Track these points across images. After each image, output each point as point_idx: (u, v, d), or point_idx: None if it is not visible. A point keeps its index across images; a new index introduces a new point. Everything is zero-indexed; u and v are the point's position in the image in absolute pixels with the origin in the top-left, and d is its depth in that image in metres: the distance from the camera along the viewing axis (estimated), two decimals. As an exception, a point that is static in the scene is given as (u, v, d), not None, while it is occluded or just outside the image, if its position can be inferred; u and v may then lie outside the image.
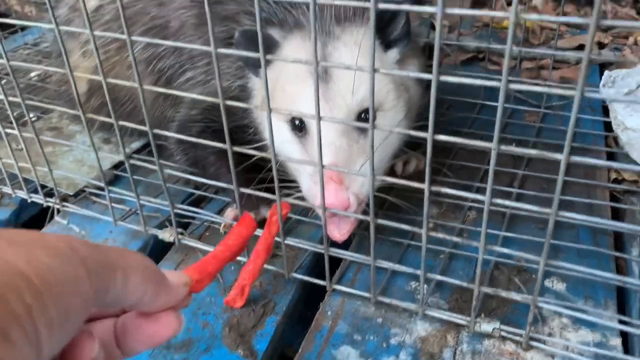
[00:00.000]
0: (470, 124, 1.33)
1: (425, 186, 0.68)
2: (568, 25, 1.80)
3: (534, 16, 0.56)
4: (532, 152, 0.62)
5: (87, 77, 0.96)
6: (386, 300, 0.84)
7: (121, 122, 0.88)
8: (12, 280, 0.34)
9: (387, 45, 0.94)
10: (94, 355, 0.42)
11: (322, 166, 0.74)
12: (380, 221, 0.76)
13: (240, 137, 1.02)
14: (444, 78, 0.62)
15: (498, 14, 0.59)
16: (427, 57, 1.67)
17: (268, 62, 0.96)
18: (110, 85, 1.26)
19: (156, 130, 0.85)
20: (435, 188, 0.69)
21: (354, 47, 0.89)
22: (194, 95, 0.80)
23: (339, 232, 0.86)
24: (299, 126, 0.88)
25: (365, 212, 0.84)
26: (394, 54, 0.94)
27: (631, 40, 1.69)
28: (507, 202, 0.68)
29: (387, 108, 0.89)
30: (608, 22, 0.53)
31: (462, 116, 1.34)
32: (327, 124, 0.83)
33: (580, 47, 1.63)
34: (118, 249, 0.46)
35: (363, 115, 0.87)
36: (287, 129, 0.90)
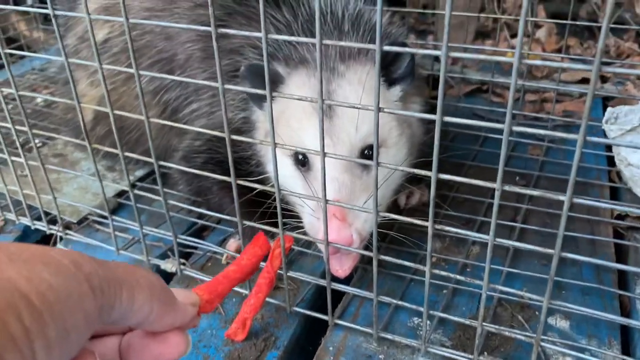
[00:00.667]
0: (474, 156, 1.33)
1: (429, 224, 0.69)
2: (571, 58, 1.82)
3: (537, 62, 0.57)
4: (535, 192, 0.63)
5: (94, 107, 0.97)
6: (388, 336, 0.83)
7: (127, 153, 0.89)
8: (11, 299, 0.34)
9: (390, 82, 0.94)
10: None
11: (326, 201, 0.74)
12: (383, 257, 0.76)
13: (243, 168, 1.02)
14: (447, 119, 0.63)
15: (501, 57, 0.60)
16: (431, 88, 1.69)
17: (273, 97, 0.98)
18: (117, 114, 1.28)
19: (162, 162, 0.86)
20: (438, 227, 0.69)
21: (357, 85, 0.90)
22: (200, 129, 0.81)
23: (341, 267, 0.86)
24: (302, 161, 0.89)
25: (367, 247, 0.84)
26: (397, 91, 0.95)
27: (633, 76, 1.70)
28: (510, 242, 0.67)
29: (390, 145, 0.90)
30: (609, 70, 0.53)
31: (465, 148, 1.35)
32: (331, 160, 0.83)
33: (583, 81, 1.64)
34: (126, 265, 0.45)
35: (366, 152, 0.88)
36: (290, 164, 0.91)
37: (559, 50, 1.87)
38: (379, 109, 0.65)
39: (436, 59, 1.89)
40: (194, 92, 1.14)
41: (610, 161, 1.27)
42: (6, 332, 0.33)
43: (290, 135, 0.88)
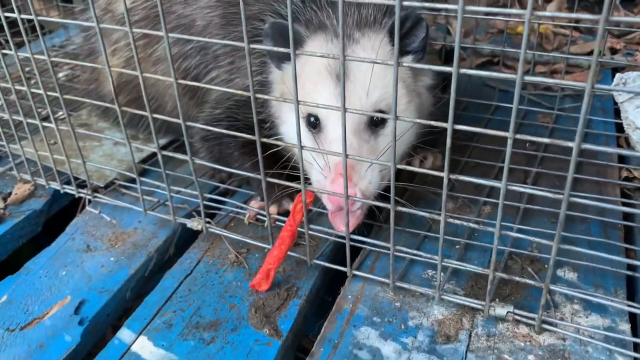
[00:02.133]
0: (485, 124, 1.37)
1: (444, 174, 0.73)
2: (581, 31, 1.84)
3: (547, 13, 0.61)
4: (546, 140, 0.66)
5: (119, 71, 1.00)
6: (404, 285, 0.88)
7: (155, 115, 0.93)
8: None
9: (402, 53, 0.98)
10: None
11: (347, 155, 0.79)
12: (400, 208, 0.80)
13: (260, 132, 1.07)
14: (464, 71, 0.67)
15: (513, 11, 0.64)
16: (443, 61, 1.72)
17: (289, 57, 1.02)
18: (136, 82, 1.31)
19: (189, 123, 0.91)
20: (453, 176, 0.73)
21: (371, 51, 0.94)
22: (225, 89, 0.86)
23: (343, 224, 0.90)
24: (314, 123, 0.93)
25: (384, 200, 0.89)
26: (408, 60, 0.98)
27: (643, 45, 1.72)
28: (521, 189, 0.71)
29: (399, 112, 0.94)
30: (615, 18, 0.57)
31: (477, 117, 1.39)
32: (340, 123, 0.88)
33: (592, 53, 1.66)
34: None
35: (375, 118, 0.92)
36: (302, 125, 0.95)
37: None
38: (398, 64, 0.69)
39: (448, 32, 1.92)
40: (213, 60, 1.18)
41: (619, 128, 1.30)
42: None
43: (305, 97, 0.92)
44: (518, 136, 0.67)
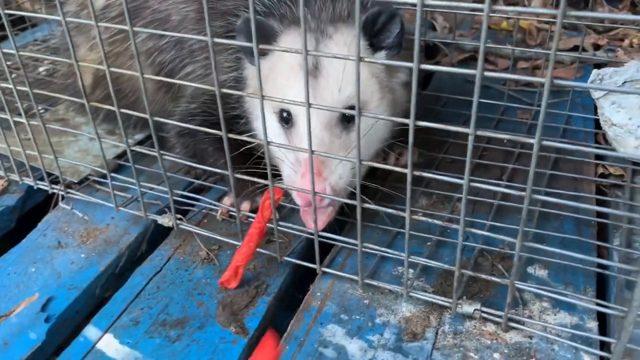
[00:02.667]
0: (465, 120, 1.36)
1: (408, 171, 0.72)
2: (565, 27, 1.83)
3: (508, 7, 0.61)
4: (505, 135, 0.66)
5: (95, 67, 1.00)
6: (373, 282, 0.88)
7: (122, 110, 0.92)
8: None
9: (376, 49, 0.97)
10: None
11: (312, 152, 0.78)
12: (367, 205, 0.79)
13: (233, 127, 1.06)
14: (424, 67, 0.66)
15: (478, 5, 0.63)
16: (424, 56, 1.71)
17: (264, 52, 1.01)
18: (113, 76, 1.31)
19: (156, 118, 0.90)
20: (417, 173, 0.72)
21: (343, 46, 0.93)
22: (193, 85, 0.85)
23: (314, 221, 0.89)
24: (286, 118, 0.93)
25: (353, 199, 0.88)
26: (381, 56, 0.97)
27: (627, 42, 1.72)
28: (484, 185, 0.71)
29: (371, 108, 0.93)
30: (573, 13, 0.56)
31: (456, 113, 1.38)
32: (312, 118, 0.87)
33: (575, 49, 1.66)
34: None
35: (348, 114, 0.91)
36: (275, 120, 0.94)
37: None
38: (360, 59, 0.68)
39: (432, 28, 1.91)
40: (189, 55, 1.17)
41: (598, 124, 1.30)
42: None
43: (277, 92, 0.92)
44: (479, 132, 0.67)
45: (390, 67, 1.00)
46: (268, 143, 0.80)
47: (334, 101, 0.90)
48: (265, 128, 0.79)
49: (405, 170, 0.72)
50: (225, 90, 0.79)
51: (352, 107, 0.93)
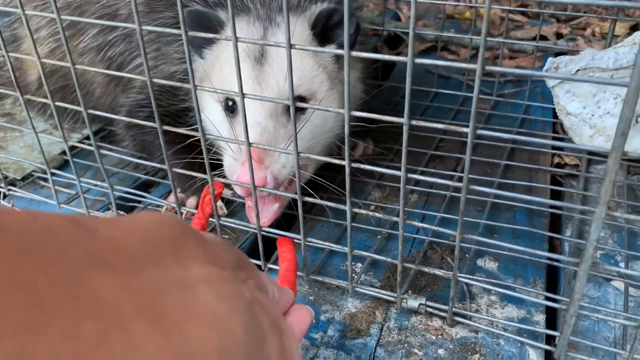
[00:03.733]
0: (423, 111, 1.34)
1: (346, 163, 0.70)
2: (528, 16, 1.82)
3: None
4: (440, 126, 0.64)
5: (44, 61, 0.95)
6: (319, 278, 0.85)
7: (57, 103, 0.88)
8: None
9: (327, 41, 0.95)
10: None
11: (249, 144, 0.75)
12: (307, 199, 0.77)
13: (182, 120, 1.03)
14: (355, 53, 0.63)
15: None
16: (388, 46, 1.69)
17: (211, 43, 0.98)
18: (63, 71, 1.26)
19: (90, 110, 0.86)
20: (355, 165, 0.70)
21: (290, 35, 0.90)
22: (123, 74, 0.81)
23: (262, 218, 0.87)
24: (231, 107, 0.90)
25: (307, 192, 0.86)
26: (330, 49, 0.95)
27: (589, 31, 1.71)
28: (419, 177, 0.69)
29: (319, 98, 0.91)
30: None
31: (415, 104, 1.36)
32: (256, 106, 0.85)
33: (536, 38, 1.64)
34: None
35: (282, 104, 0.88)
36: (219, 110, 0.92)
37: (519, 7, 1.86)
38: (291, 46, 0.65)
39: (397, 18, 1.89)
40: (138, 47, 1.14)
41: (556, 114, 1.29)
42: None
43: (222, 80, 0.89)
44: (413, 122, 0.65)
45: (340, 60, 0.98)
46: (204, 135, 0.77)
47: (279, 89, 0.88)
48: (201, 120, 0.76)
49: (342, 162, 0.70)
50: (157, 80, 0.76)
51: (299, 97, 0.90)
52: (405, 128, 0.64)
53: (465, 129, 0.61)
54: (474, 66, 0.58)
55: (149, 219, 0.34)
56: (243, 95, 0.71)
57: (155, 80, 0.75)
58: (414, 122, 0.64)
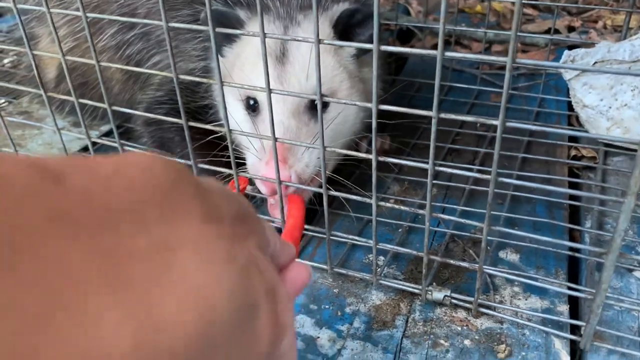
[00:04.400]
0: (438, 105, 1.34)
1: (372, 156, 0.70)
2: (539, 10, 1.82)
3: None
4: (469, 118, 0.64)
5: (51, 55, 0.96)
6: (343, 271, 0.86)
7: (81, 100, 0.89)
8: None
9: (346, 39, 0.95)
10: None
11: (276, 139, 0.76)
12: (332, 193, 0.78)
13: (202, 117, 1.04)
14: (383, 48, 0.64)
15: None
16: (400, 41, 1.69)
17: (231, 41, 0.99)
18: (82, 69, 1.27)
19: (115, 107, 0.87)
20: (382, 158, 0.71)
21: (312, 34, 0.91)
22: (147, 71, 0.82)
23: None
24: (252, 106, 0.91)
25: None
26: (351, 48, 0.96)
27: (600, 24, 1.71)
28: (447, 169, 0.69)
29: (340, 97, 0.92)
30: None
31: (429, 97, 1.36)
32: (279, 105, 0.85)
33: (549, 31, 1.65)
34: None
35: (316, 102, 0.89)
36: (241, 108, 0.92)
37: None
38: (319, 41, 0.66)
39: (406, 12, 1.89)
40: (156, 45, 1.15)
41: (571, 107, 1.29)
42: None
43: (243, 78, 0.90)
44: (442, 115, 0.65)
45: (361, 59, 0.99)
46: (230, 131, 0.78)
47: (301, 88, 0.89)
48: (227, 116, 0.77)
49: (369, 156, 0.71)
50: (182, 77, 0.76)
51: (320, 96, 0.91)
52: (434, 121, 0.65)
53: (494, 121, 0.62)
54: (504, 59, 0.58)
55: (137, 163, 0.28)
56: (270, 91, 0.72)
57: (182, 76, 0.76)
58: (442, 115, 0.65)
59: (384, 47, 0.63)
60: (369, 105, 0.67)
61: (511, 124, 0.62)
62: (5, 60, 1.68)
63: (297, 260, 0.52)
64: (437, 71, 0.61)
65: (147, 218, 0.26)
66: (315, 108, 0.90)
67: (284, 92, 0.73)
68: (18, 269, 0.20)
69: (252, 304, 0.32)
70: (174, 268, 0.26)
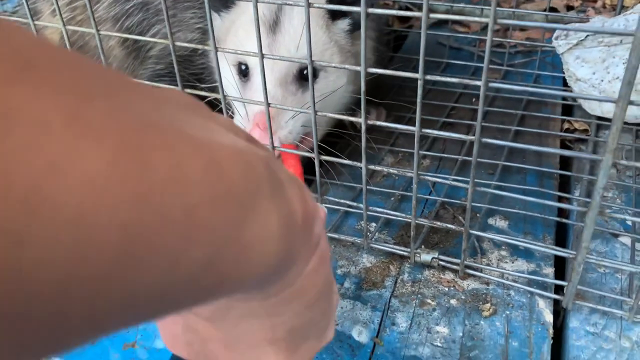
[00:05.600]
0: (433, 82, 1.36)
1: (362, 120, 0.73)
2: (539, -11, 1.82)
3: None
4: (454, 80, 0.66)
5: (53, 25, 0.99)
6: (335, 236, 0.88)
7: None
8: None
9: (341, 17, 0.97)
10: None
11: (268, 104, 0.78)
12: (324, 157, 0.80)
13: (200, 89, 1.06)
14: (371, 10, 0.66)
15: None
16: (399, 19, 1.70)
17: (227, 7, 1.01)
18: (79, 43, 1.29)
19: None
20: (370, 122, 0.73)
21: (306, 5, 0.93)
22: (144, 39, 0.84)
23: None
24: (244, 71, 0.93)
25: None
26: (344, 24, 0.97)
27: (600, 3, 1.71)
28: (435, 132, 0.71)
29: (331, 70, 0.93)
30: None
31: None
32: (267, 73, 0.87)
33: (550, 10, 1.65)
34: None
35: (305, 72, 0.91)
36: (234, 73, 0.94)
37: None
38: (309, 5, 0.68)
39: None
40: (155, 15, 1.16)
41: (566, 83, 1.30)
42: None
43: (237, 44, 0.92)
44: (428, 77, 0.67)
45: (354, 34, 1.00)
46: (224, 96, 0.80)
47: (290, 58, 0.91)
48: (222, 82, 0.79)
49: (359, 120, 0.73)
50: (179, 44, 0.79)
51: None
52: (420, 83, 0.67)
53: (477, 82, 0.64)
54: (486, 19, 0.60)
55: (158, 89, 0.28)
56: (262, 56, 0.74)
57: (178, 43, 0.78)
58: (428, 77, 0.67)
59: (371, 10, 0.65)
60: (358, 68, 0.69)
61: (494, 84, 0.64)
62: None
63: None
64: (422, 32, 0.63)
65: (168, 99, 0.27)
66: (303, 78, 0.92)
67: (276, 57, 0.76)
68: None
69: (278, 179, 0.30)
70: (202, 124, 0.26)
